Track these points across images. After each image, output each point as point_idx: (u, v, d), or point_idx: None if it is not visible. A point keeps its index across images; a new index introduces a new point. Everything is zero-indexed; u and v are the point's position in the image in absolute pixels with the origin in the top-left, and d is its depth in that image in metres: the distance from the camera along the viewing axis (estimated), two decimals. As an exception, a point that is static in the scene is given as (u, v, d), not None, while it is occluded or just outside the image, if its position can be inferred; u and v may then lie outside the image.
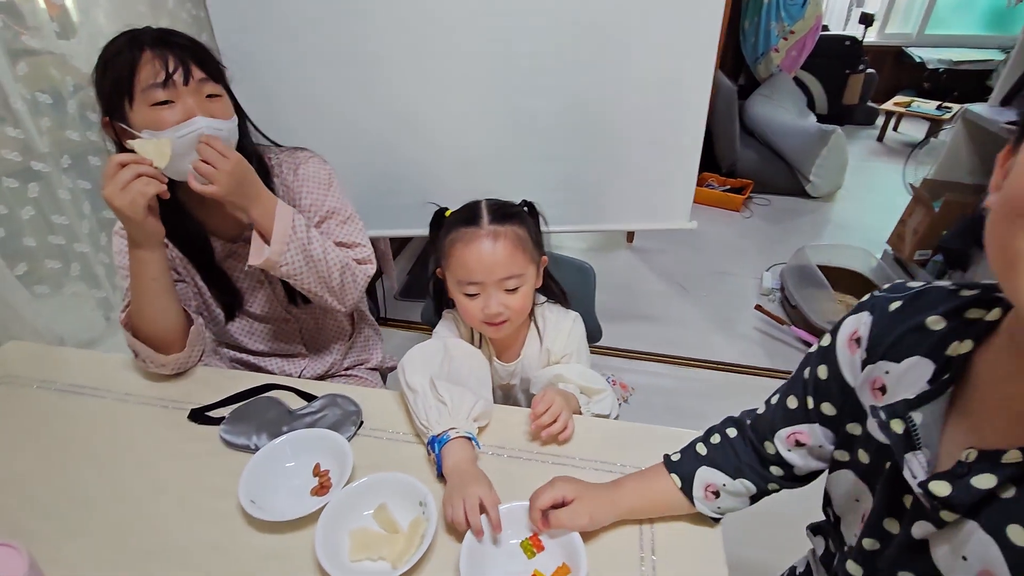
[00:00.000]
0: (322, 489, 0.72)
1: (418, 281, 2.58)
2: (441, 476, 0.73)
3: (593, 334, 1.18)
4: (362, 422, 0.84)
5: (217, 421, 0.85)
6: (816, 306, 2.20)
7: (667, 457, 0.71)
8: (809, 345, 2.19)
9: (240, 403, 0.88)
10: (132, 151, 0.79)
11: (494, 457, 0.79)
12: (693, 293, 2.56)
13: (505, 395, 1.06)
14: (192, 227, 0.96)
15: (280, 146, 1.04)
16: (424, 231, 1.86)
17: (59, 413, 0.89)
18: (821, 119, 3.64)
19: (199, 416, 0.86)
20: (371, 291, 2.26)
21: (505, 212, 0.89)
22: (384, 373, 1.34)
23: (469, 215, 0.89)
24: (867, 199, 3.42)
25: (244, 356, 1.16)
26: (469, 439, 0.75)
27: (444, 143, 1.56)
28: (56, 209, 1.15)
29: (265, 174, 0.95)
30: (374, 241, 2.18)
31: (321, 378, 1.19)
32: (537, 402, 0.81)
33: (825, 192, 3.35)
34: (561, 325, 0.98)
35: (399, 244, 2.70)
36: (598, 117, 1.50)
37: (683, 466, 0.68)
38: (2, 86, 1.04)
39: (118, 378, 0.95)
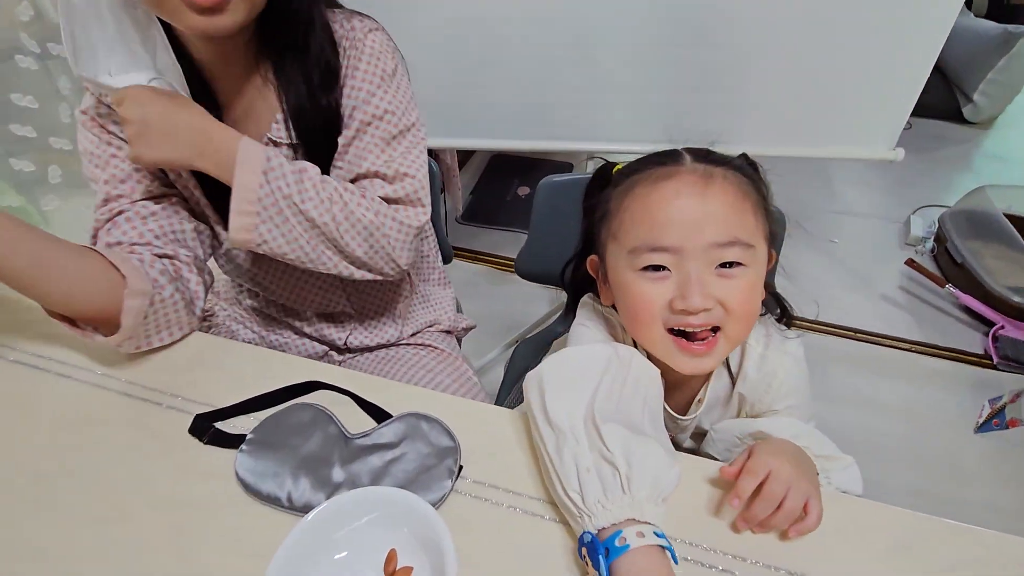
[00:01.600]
0: (403, 613, 0.41)
1: (483, 202, 2.20)
2: None
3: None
4: (461, 467, 0.50)
5: (234, 439, 0.53)
6: (993, 266, 1.72)
7: None
8: (975, 315, 1.76)
9: (270, 409, 0.56)
10: None
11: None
12: (815, 236, 2.09)
13: None
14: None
15: (337, 5, 0.68)
16: (507, 143, 1.43)
17: (9, 399, 0.59)
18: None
19: (206, 429, 0.55)
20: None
21: (717, 156, 0.56)
22: (459, 336, 1.01)
23: (657, 157, 0.57)
24: (1039, 129, 2.74)
25: (271, 311, 0.84)
26: (663, 548, 0.41)
27: (551, 17, 1.11)
28: (17, 84, 0.80)
29: (332, 49, 0.64)
30: (438, 154, 1.82)
31: (378, 348, 0.87)
32: (743, 469, 0.46)
33: (985, 117, 2.70)
34: (774, 362, 0.59)
35: (462, 157, 2.30)
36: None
37: None
38: None
39: (97, 349, 0.64)
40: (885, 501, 0.49)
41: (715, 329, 0.52)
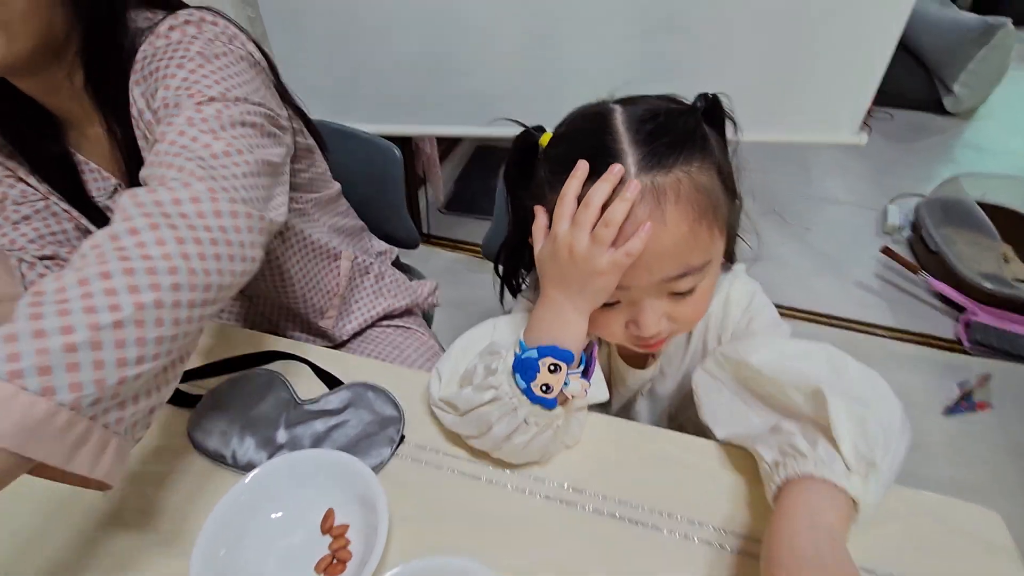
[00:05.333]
0: (336, 566, 0.43)
1: (467, 192, 2.21)
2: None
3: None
4: (403, 437, 0.52)
5: (192, 399, 0.55)
6: (965, 253, 1.74)
7: None
8: (948, 301, 1.79)
9: (228, 376, 0.58)
10: None
11: (552, 504, 0.48)
12: (793, 224, 2.12)
13: (620, 413, 0.69)
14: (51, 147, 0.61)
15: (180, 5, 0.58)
16: (479, 129, 1.32)
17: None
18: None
19: None
20: (411, 204, 1.92)
21: (671, 141, 0.44)
22: (428, 313, 1.02)
23: (594, 149, 0.45)
24: (1019, 120, 2.77)
25: None
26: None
27: (510, 10, 1.12)
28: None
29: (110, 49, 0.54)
30: (418, 142, 1.84)
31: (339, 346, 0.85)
32: None
33: (966, 108, 2.72)
34: (724, 288, 0.57)
35: (445, 147, 2.32)
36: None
37: None
38: None
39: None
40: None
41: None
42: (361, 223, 0.93)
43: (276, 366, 0.59)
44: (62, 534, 0.47)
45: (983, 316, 1.67)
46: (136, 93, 0.52)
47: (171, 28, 0.53)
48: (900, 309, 1.77)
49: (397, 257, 1.00)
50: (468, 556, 0.41)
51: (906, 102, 2.76)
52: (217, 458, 0.50)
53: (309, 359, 0.59)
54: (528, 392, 0.44)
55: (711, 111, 0.49)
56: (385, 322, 0.91)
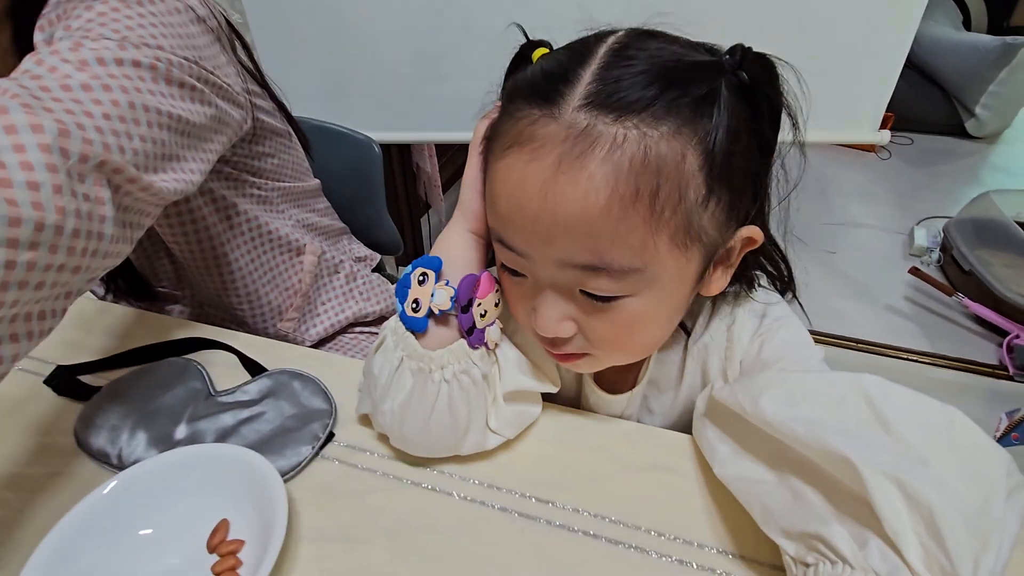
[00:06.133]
0: (216, 591, 0.32)
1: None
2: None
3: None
4: (332, 434, 0.42)
5: (90, 391, 0.46)
6: (1004, 274, 1.61)
7: None
8: (986, 324, 1.65)
9: (137, 368, 0.49)
10: None
11: (510, 518, 0.37)
12: (815, 249, 2.01)
13: None
14: None
15: None
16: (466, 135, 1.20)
17: None
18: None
19: (66, 382, 0.47)
20: (414, 229, 1.86)
21: (645, 84, 0.31)
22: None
23: (555, 69, 0.35)
24: (1048, 142, 2.66)
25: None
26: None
27: (506, 8, 1.08)
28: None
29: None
30: (418, 163, 1.79)
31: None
32: None
33: (990, 131, 2.62)
34: (728, 309, 0.44)
35: (451, 173, 2.27)
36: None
37: None
38: None
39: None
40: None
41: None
42: (342, 225, 0.86)
43: (201, 356, 0.50)
44: None
45: (1029, 340, 1.52)
46: (39, 39, 0.46)
47: None
48: (935, 333, 1.63)
49: (380, 262, 0.93)
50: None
51: (926, 127, 2.68)
52: (101, 458, 0.41)
53: (236, 347, 0.50)
54: (402, 316, 0.40)
55: (755, 77, 0.36)
56: (357, 328, 0.82)
